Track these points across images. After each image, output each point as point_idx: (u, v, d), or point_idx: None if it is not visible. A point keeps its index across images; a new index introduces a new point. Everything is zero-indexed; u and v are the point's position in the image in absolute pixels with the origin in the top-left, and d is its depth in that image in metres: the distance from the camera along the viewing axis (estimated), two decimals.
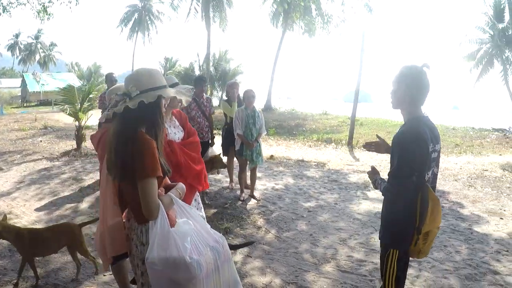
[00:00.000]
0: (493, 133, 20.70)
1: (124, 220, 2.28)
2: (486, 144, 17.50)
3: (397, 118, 24.77)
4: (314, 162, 10.86)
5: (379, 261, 3.99)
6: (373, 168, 2.75)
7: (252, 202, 6.82)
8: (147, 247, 2.02)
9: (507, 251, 5.07)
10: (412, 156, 2.29)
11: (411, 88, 2.36)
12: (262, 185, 7.93)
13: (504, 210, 7.27)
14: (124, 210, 2.26)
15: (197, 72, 35.76)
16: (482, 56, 28.53)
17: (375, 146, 2.90)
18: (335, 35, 14.97)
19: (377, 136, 3.01)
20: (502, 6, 27.30)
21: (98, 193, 6.64)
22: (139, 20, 52.09)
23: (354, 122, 14.67)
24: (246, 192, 7.11)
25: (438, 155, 2.57)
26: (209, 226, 2.32)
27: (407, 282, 4.03)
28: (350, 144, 14.14)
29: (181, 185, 2.28)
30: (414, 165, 2.31)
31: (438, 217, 2.41)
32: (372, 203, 7.01)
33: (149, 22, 53.09)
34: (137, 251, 2.11)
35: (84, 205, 6.63)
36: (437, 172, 2.65)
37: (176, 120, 3.48)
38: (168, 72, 37.66)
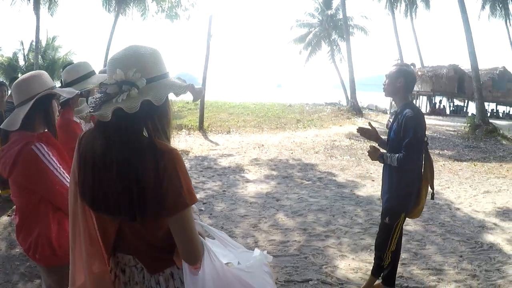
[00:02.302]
0: (327, 107, 23.83)
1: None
2: (324, 117, 20.04)
3: (231, 100, 26.19)
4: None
5: (299, 238, 4.36)
6: (373, 147, 3.28)
7: None
8: None
9: None
10: (423, 128, 3.07)
11: (407, 82, 3.12)
12: None
13: (371, 174, 8.44)
14: (109, 254, 1.54)
15: (21, 63, 33.65)
16: (311, 39, 33.08)
17: (367, 132, 3.44)
18: (182, 19, 14.46)
19: (369, 124, 3.54)
20: None
21: None
22: None
23: (203, 107, 14.77)
24: None
25: None
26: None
27: (334, 248, 4.29)
28: (201, 128, 14.21)
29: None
30: (424, 135, 3.08)
31: (432, 176, 3.21)
32: (256, 184, 7.19)
33: None
34: None
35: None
36: None
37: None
38: None
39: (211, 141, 12.27)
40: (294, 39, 33.62)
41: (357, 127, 3.57)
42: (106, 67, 1.41)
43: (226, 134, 14.01)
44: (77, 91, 2.43)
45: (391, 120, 3.25)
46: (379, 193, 6.81)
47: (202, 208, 5.64)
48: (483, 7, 32.57)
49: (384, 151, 3.29)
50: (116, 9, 27.90)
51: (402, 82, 3.11)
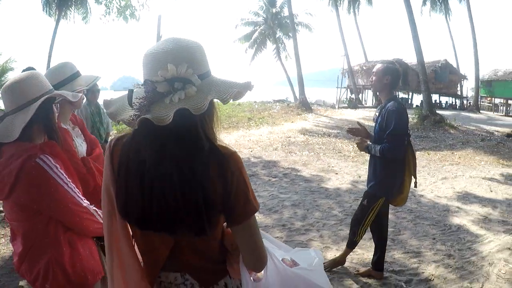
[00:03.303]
0: (276, 104, 24.24)
1: None
2: (275, 114, 20.40)
3: None
4: None
5: (280, 234, 4.58)
6: (361, 139, 3.56)
7: None
8: None
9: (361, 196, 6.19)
10: (405, 121, 3.36)
11: (394, 79, 3.40)
12: None
13: (333, 167, 8.76)
14: (155, 276, 1.39)
15: None
16: (256, 37, 33.57)
17: (356, 132, 3.66)
18: (131, 21, 14.02)
19: (358, 123, 3.78)
20: None
21: None
22: None
23: None
24: None
25: None
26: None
27: (317, 241, 4.47)
28: None
29: None
30: (406, 128, 3.38)
31: (415, 167, 3.52)
32: None
33: None
34: None
35: None
36: None
37: (76, 126, 2.70)
38: None
39: None
40: (239, 38, 33.93)
41: (347, 128, 3.84)
42: (145, 62, 1.22)
43: None
44: (82, 94, 2.32)
45: (377, 114, 3.50)
46: (345, 185, 7.20)
47: None
48: (424, 3, 34.57)
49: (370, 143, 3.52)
50: (57, 13, 26.69)
51: (389, 80, 3.39)
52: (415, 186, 3.66)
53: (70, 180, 1.81)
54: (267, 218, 5.36)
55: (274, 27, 32.71)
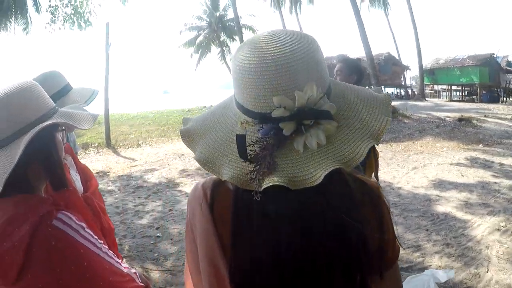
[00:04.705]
0: None
1: None
2: None
3: (124, 111, 25.25)
4: (95, 172, 9.82)
5: None
6: None
7: None
8: None
9: None
10: None
11: (359, 76, 3.26)
12: None
13: None
14: None
15: None
16: (201, 41, 33.75)
17: None
18: (84, 28, 13.33)
19: None
20: None
21: None
22: None
23: (108, 121, 13.99)
24: None
25: None
26: None
27: None
28: (109, 145, 13.49)
29: None
30: None
31: (377, 165, 3.18)
32: None
33: None
34: None
35: None
36: None
37: (68, 154, 2.08)
38: None
39: (126, 157, 11.65)
40: (184, 43, 33.96)
41: None
42: (248, 77, 0.82)
43: (136, 147, 13.40)
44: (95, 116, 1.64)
45: None
46: None
47: (159, 234, 5.37)
48: None
49: None
50: None
51: (355, 79, 3.20)
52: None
53: (101, 240, 1.22)
54: None
55: (218, 30, 33.13)
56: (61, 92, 2.10)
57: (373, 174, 3.12)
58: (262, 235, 0.83)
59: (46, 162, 1.22)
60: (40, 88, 1.24)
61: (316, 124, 0.79)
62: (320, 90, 0.80)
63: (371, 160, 2.99)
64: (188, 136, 0.91)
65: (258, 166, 0.78)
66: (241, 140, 0.80)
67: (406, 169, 8.00)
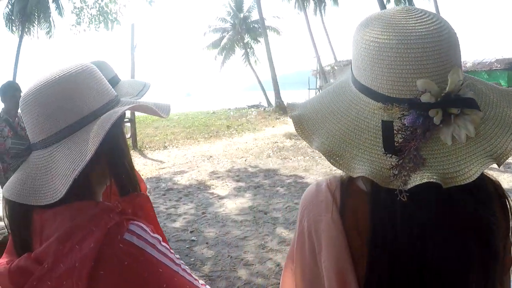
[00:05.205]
0: (251, 110, 24.17)
1: None
2: (252, 120, 20.29)
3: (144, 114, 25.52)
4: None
5: None
6: None
7: None
8: None
9: None
10: None
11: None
12: None
13: (335, 170, 8.51)
14: None
15: None
16: (225, 43, 33.89)
17: None
18: (102, 30, 13.57)
19: None
20: None
21: None
22: None
23: (135, 123, 14.12)
24: None
25: None
26: None
27: None
28: (136, 147, 13.59)
29: None
30: None
31: None
32: (232, 200, 6.95)
33: None
34: None
35: None
36: None
37: None
38: None
39: (154, 160, 11.71)
40: (208, 45, 34.24)
41: None
42: (396, 58, 0.71)
43: (163, 149, 13.48)
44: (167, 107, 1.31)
45: None
46: None
47: (194, 238, 5.32)
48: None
49: None
50: (20, 29, 25.78)
51: None
52: None
53: (176, 255, 0.96)
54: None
55: (242, 32, 33.29)
56: (111, 82, 1.93)
57: None
58: (406, 246, 0.72)
59: (115, 160, 0.98)
60: (100, 73, 1.01)
61: (462, 114, 0.70)
62: (463, 77, 0.71)
63: None
64: (301, 124, 0.81)
65: (401, 160, 0.68)
66: (388, 128, 0.70)
67: None
